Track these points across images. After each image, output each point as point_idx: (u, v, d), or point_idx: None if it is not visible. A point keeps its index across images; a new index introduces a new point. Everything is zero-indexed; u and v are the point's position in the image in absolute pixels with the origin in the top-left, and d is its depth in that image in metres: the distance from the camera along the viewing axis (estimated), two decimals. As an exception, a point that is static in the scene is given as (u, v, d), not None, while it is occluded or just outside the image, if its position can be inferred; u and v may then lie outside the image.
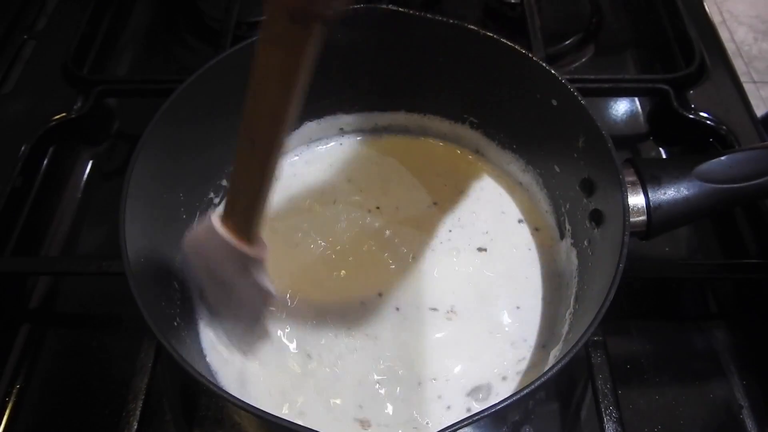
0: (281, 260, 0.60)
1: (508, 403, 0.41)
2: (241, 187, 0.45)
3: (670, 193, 0.53)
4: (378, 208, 0.67)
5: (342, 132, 0.73)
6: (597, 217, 0.56)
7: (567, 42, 0.87)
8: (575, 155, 0.58)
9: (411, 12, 0.60)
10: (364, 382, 0.56)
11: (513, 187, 0.69)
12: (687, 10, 0.84)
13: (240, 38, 0.60)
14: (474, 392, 0.56)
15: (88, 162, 0.76)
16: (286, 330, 0.59)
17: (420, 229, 0.66)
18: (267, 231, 0.50)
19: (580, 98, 0.55)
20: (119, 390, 0.54)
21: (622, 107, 0.81)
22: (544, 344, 0.59)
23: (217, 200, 0.66)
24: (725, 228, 0.69)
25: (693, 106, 0.76)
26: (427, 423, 0.54)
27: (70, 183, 0.74)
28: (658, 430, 0.57)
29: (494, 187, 0.69)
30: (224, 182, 0.65)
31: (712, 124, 0.74)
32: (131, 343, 0.55)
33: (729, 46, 0.84)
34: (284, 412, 0.54)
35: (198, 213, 0.62)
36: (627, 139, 0.78)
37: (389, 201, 0.68)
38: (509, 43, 0.59)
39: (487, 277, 0.63)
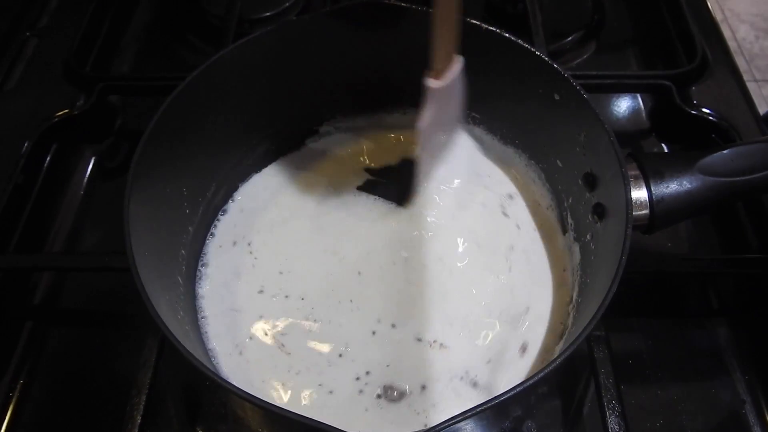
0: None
1: (511, 395, 0.41)
2: (440, 44, 0.56)
3: (672, 187, 0.53)
4: None
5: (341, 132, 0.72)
6: (600, 212, 0.56)
7: (569, 39, 0.87)
8: (578, 149, 0.58)
9: (413, 7, 0.60)
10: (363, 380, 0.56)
11: (515, 181, 0.69)
12: (689, 6, 0.84)
13: (242, 36, 0.60)
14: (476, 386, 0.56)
15: (91, 159, 0.76)
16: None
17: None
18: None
19: (582, 92, 0.55)
20: (123, 385, 0.54)
21: (624, 104, 0.81)
22: (549, 343, 0.58)
23: (218, 198, 0.65)
24: (727, 223, 0.69)
25: (695, 102, 0.76)
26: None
27: (73, 180, 0.74)
28: (660, 424, 0.57)
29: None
30: (225, 180, 0.65)
31: (714, 120, 0.74)
32: (134, 339, 0.55)
33: (731, 45, 0.84)
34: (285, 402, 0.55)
35: (200, 208, 0.62)
36: (629, 136, 0.78)
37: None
38: (511, 38, 0.59)
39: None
